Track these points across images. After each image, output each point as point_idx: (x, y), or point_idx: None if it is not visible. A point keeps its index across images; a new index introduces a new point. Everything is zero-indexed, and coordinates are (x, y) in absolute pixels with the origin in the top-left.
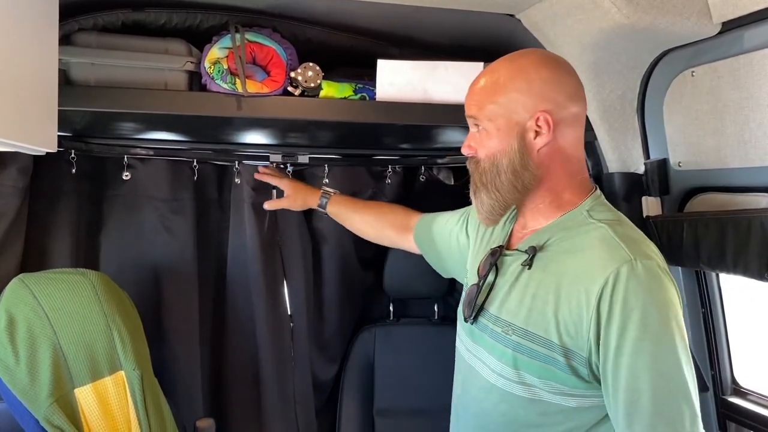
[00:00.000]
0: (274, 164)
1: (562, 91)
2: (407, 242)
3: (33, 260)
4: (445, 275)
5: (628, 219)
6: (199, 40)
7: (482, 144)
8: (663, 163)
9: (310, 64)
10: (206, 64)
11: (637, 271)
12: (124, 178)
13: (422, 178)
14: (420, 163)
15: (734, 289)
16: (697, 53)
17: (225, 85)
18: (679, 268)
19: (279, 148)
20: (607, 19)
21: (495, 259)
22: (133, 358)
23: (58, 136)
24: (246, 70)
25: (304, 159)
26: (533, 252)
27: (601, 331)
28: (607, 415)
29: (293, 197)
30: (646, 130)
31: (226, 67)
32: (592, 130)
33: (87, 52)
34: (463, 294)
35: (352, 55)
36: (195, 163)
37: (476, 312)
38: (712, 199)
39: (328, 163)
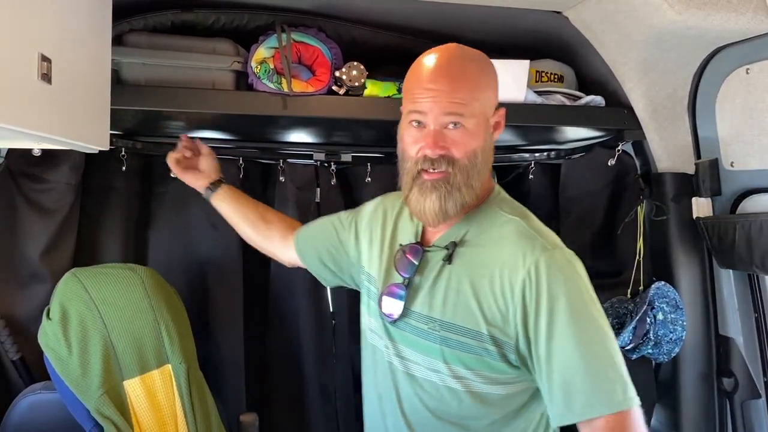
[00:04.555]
0: (318, 163)
1: (498, 88)
2: (287, 254)
3: (84, 255)
4: (327, 284)
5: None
6: (246, 39)
7: (463, 142)
8: (714, 163)
9: (355, 63)
10: (253, 63)
11: (556, 260)
12: (172, 175)
13: None
14: None
15: None
16: (752, 50)
17: (271, 85)
18: (731, 271)
19: (323, 146)
20: (657, 16)
21: (419, 258)
22: (179, 352)
23: (110, 134)
24: (292, 69)
25: (347, 158)
26: (453, 247)
27: (530, 319)
28: (529, 400)
29: (196, 177)
30: (697, 129)
31: (272, 66)
32: (641, 128)
33: (138, 52)
34: (367, 293)
35: (396, 53)
36: (241, 161)
37: (403, 312)
38: (766, 201)
39: (371, 161)
